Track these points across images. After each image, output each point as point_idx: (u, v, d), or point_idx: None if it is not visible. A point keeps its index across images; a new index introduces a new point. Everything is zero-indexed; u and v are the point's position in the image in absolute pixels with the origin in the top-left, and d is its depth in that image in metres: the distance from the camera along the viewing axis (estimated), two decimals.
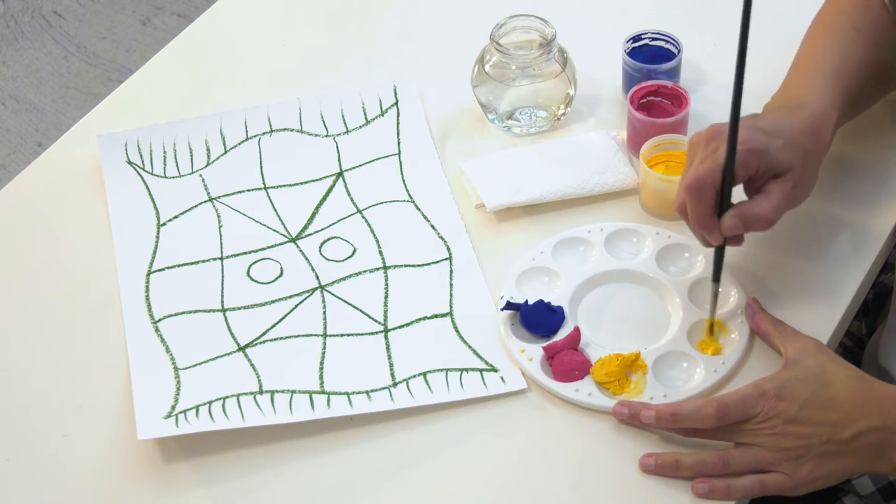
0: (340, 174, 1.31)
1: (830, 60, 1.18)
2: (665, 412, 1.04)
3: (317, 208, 1.27)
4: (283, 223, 1.26)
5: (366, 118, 1.36)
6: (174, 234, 1.26)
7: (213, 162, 1.33)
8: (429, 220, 1.25)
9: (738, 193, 1.08)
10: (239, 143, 1.34)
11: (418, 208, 1.26)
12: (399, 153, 1.32)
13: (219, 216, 1.27)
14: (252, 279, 1.21)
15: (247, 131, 1.35)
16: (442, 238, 1.24)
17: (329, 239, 1.24)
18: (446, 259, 1.22)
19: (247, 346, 1.15)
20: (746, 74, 1.01)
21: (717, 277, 1.11)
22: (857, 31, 1.20)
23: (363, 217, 1.26)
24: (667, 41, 1.33)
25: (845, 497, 1.21)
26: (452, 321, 1.16)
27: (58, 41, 2.87)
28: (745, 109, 1.11)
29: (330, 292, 1.19)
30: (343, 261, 1.22)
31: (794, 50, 1.22)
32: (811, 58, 1.20)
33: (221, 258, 1.23)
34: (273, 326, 1.17)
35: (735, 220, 1.07)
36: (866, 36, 1.19)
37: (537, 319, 1.14)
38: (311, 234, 1.25)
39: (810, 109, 1.12)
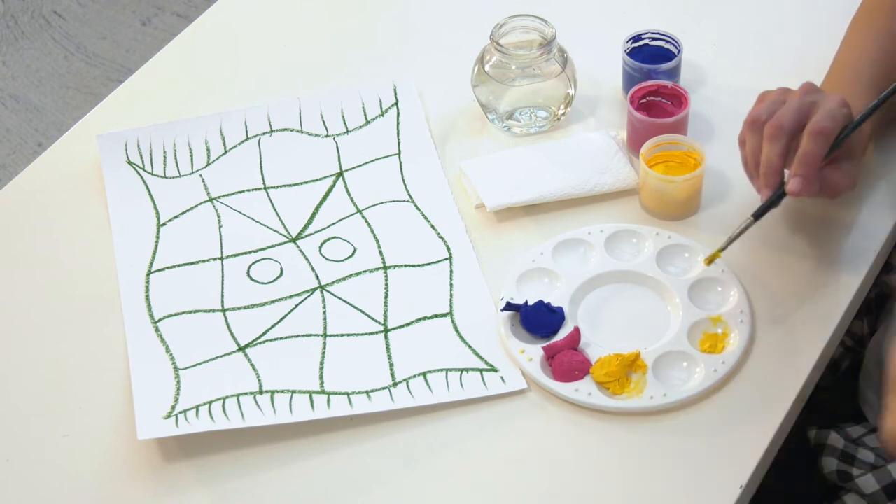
0: (340, 174, 1.31)
1: (866, 65, 1.19)
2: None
3: (317, 208, 1.27)
4: (283, 223, 1.26)
5: (366, 118, 1.36)
6: (174, 234, 1.26)
7: (213, 162, 1.33)
8: (429, 220, 1.25)
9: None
10: (239, 143, 1.34)
11: (418, 208, 1.26)
12: (399, 153, 1.32)
13: (219, 216, 1.27)
14: (252, 279, 1.21)
15: (247, 131, 1.35)
16: (442, 238, 1.23)
17: (329, 239, 1.24)
18: (446, 259, 1.22)
19: (247, 346, 1.15)
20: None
21: (759, 215, 1.12)
22: None
23: (363, 217, 1.26)
24: (667, 41, 1.33)
25: (846, 496, 1.21)
26: (452, 321, 1.16)
27: (58, 41, 2.87)
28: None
29: (330, 292, 1.19)
30: (343, 261, 1.22)
31: (832, 38, 1.23)
32: (847, 64, 1.21)
33: (221, 258, 1.23)
34: (273, 326, 1.17)
35: (839, 176, 1.12)
36: None
37: (537, 320, 1.14)
38: (311, 234, 1.25)
39: None
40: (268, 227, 1.26)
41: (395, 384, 1.11)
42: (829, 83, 1.21)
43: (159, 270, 1.22)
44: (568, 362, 1.10)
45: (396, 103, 1.37)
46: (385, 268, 1.21)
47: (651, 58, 1.32)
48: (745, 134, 1.13)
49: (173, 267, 1.23)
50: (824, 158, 1.11)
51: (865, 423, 1.27)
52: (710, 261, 1.14)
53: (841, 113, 1.10)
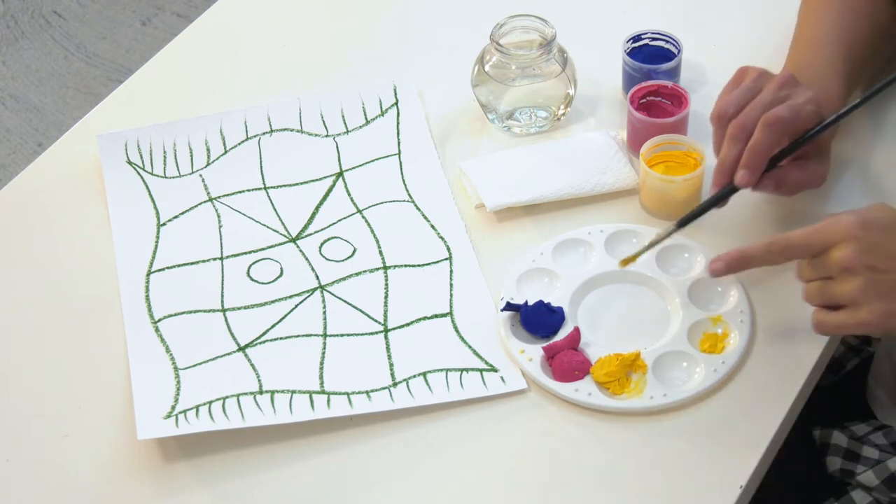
0: (340, 174, 1.31)
1: (840, 49, 1.17)
2: (732, 256, 1.05)
3: (317, 208, 1.27)
4: (283, 223, 1.26)
5: (366, 118, 1.36)
6: (174, 234, 1.26)
7: (213, 162, 1.33)
8: (429, 220, 1.25)
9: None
10: (239, 143, 1.34)
11: (418, 208, 1.27)
12: (399, 153, 1.32)
13: (219, 216, 1.27)
14: (252, 279, 1.21)
15: (247, 131, 1.36)
16: (442, 238, 1.24)
17: (329, 239, 1.24)
18: (446, 259, 1.22)
19: (247, 346, 1.15)
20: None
21: (683, 224, 1.12)
22: None
23: (363, 217, 1.26)
24: (667, 41, 1.33)
25: (854, 491, 1.21)
26: (452, 321, 1.16)
27: (58, 41, 2.87)
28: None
29: (330, 292, 1.19)
30: (343, 261, 1.22)
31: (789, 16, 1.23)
32: (818, 45, 1.19)
33: (221, 258, 1.23)
34: (273, 326, 1.17)
35: (799, 175, 1.10)
36: None
37: (537, 320, 1.14)
38: (311, 234, 1.25)
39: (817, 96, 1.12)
40: (268, 227, 1.26)
41: (395, 384, 1.11)
42: (798, 64, 1.19)
43: (159, 270, 1.22)
44: (568, 362, 1.10)
45: (396, 103, 1.37)
46: (385, 268, 1.21)
47: (651, 58, 1.32)
48: (712, 123, 1.12)
49: (173, 267, 1.23)
50: (787, 155, 1.09)
51: (872, 420, 1.27)
52: (625, 263, 1.14)
53: (805, 109, 1.08)
